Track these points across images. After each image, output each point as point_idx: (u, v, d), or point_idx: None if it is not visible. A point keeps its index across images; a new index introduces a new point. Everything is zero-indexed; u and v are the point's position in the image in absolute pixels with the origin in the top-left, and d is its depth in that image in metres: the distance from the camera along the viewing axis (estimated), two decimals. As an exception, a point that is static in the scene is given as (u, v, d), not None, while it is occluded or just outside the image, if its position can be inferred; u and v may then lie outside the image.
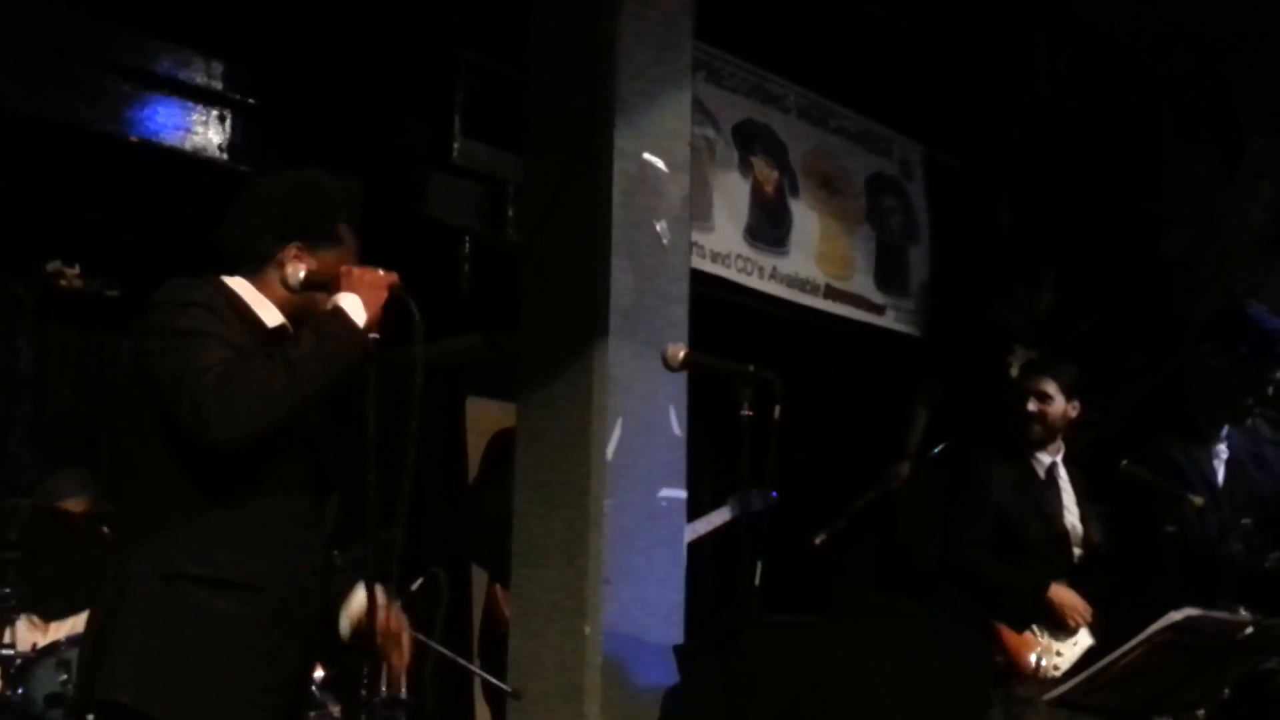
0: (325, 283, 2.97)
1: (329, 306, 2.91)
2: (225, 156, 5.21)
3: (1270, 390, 4.16)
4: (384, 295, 2.93)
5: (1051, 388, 4.46)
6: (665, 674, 4.47)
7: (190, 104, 5.17)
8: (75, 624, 4.84)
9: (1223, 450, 4.27)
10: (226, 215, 3.08)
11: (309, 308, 2.98)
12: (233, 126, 5.25)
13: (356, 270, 2.96)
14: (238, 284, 3.01)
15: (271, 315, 3.00)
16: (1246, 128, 7.15)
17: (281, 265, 2.99)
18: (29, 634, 4.81)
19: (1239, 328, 4.30)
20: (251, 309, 2.99)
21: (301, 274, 2.96)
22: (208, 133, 5.21)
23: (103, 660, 2.82)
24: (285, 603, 2.90)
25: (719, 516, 5.45)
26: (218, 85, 5.20)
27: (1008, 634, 4.40)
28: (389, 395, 2.95)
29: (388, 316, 2.94)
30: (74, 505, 4.91)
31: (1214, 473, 4.25)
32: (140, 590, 2.82)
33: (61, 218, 5.13)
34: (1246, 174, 7.14)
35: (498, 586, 5.46)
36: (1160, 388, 5.06)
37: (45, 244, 4.94)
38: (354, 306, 2.90)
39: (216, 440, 2.77)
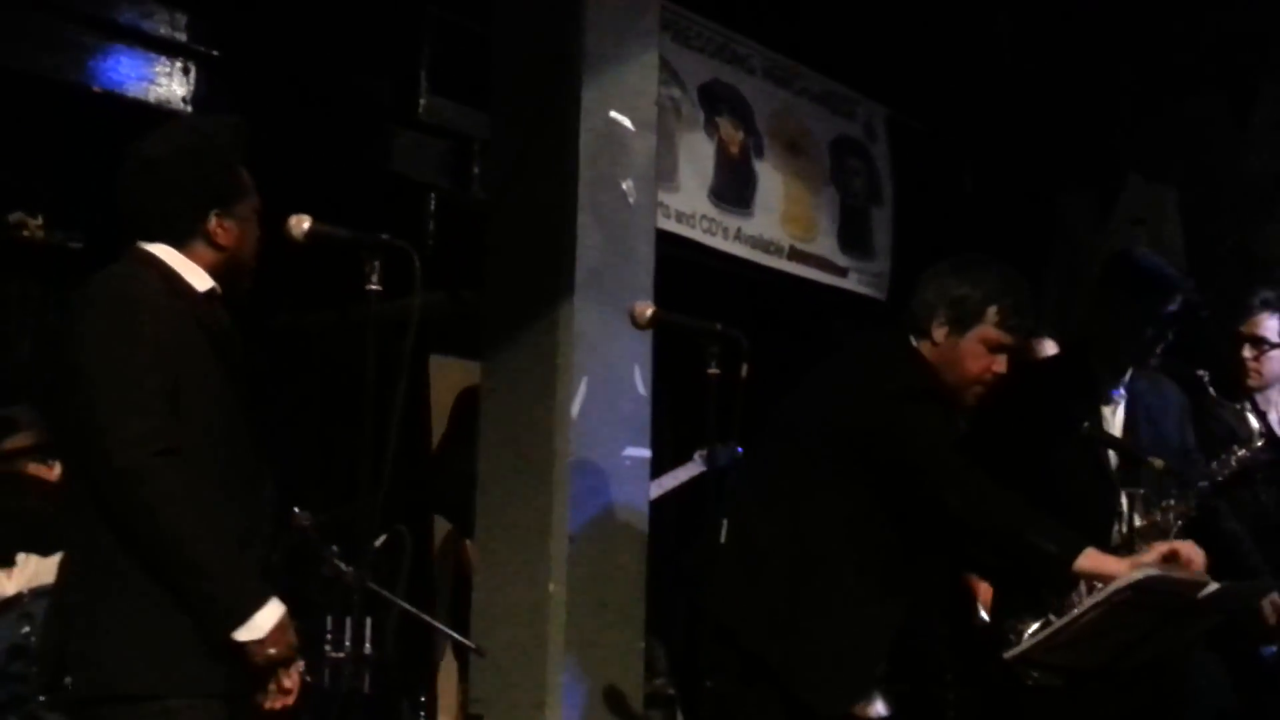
0: (331, 233, 3.02)
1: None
2: (189, 109, 5.16)
3: (1166, 328, 4.20)
4: None
5: None
6: (628, 633, 4.50)
7: (154, 55, 5.11)
8: (35, 573, 4.84)
9: (1121, 395, 4.28)
10: (124, 185, 3.12)
11: (237, 265, 3.12)
12: (196, 78, 5.20)
13: None
14: (165, 253, 3.08)
15: (202, 280, 3.09)
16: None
17: (206, 233, 3.07)
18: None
19: (1120, 272, 4.36)
20: (183, 277, 3.08)
21: (306, 225, 2.98)
22: (171, 84, 5.16)
23: (118, 654, 2.88)
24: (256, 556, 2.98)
25: (684, 472, 5.48)
26: (181, 37, 5.15)
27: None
28: (359, 350, 2.97)
29: (385, 267, 2.97)
30: (22, 440, 4.89)
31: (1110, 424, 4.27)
32: (135, 580, 2.88)
33: (24, 169, 5.09)
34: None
35: (468, 542, 5.47)
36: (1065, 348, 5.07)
37: (7, 195, 4.90)
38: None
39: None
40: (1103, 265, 4.50)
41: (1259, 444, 4.29)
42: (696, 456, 5.47)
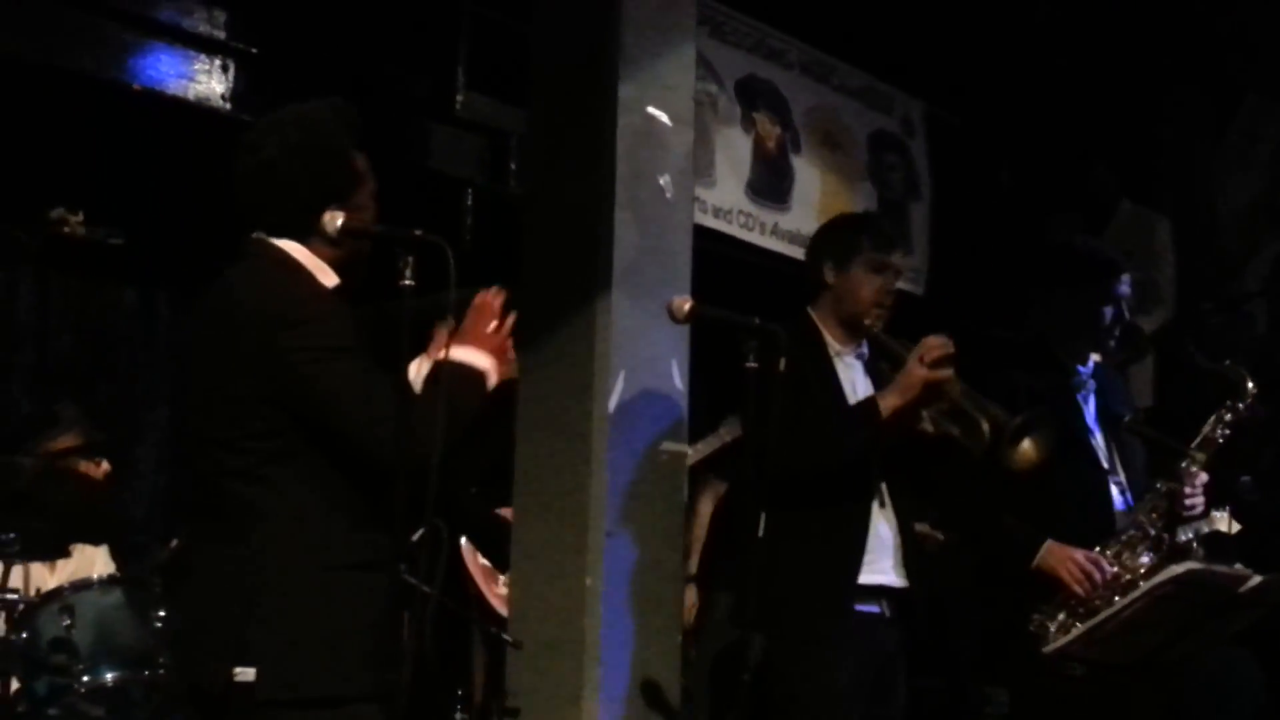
0: (364, 229, 3.04)
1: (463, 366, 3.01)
2: (228, 106, 5.21)
3: (1122, 309, 4.23)
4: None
5: None
6: (664, 626, 4.50)
7: (193, 53, 5.16)
8: (77, 568, 4.89)
9: (1091, 385, 4.30)
10: (240, 183, 3.10)
11: (354, 259, 3.08)
12: (235, 76, 5.25)
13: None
14: (294, 249, 3.07)
15: (329, 277, 3.07)
16: (1243, 86, 7.12)
17: (324, 228, 3.04)
18: (38, 576, 4.86)
19: (1067, 262, 4.45)
20: (313, 275, 3.06)
21: (339, 222, 2.99)
22: (210, 82, 5.20)
23: (292, 655, 2.89)
24: (393, 573, 3.01)
25: (716, 440, 5.45)
26: (220, 34, 5.20)
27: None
28: (394, 345, 2.99)
29: (419, 262, 2.97)
30: (68, 440, 4.96)
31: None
32: (311, 587, 2.91)
33: (65, 165, 5.13)
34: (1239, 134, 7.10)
35: (464, 540, 5.45)
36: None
37: (48, 191, 4.93)
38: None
39: (388, 470, 2.88)
40: (1044, 261, 4.63)
41: (1248, 399, 4.19)
42: (722, 428, 5.43)
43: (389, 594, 2.99)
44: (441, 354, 3.05)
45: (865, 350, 4.21)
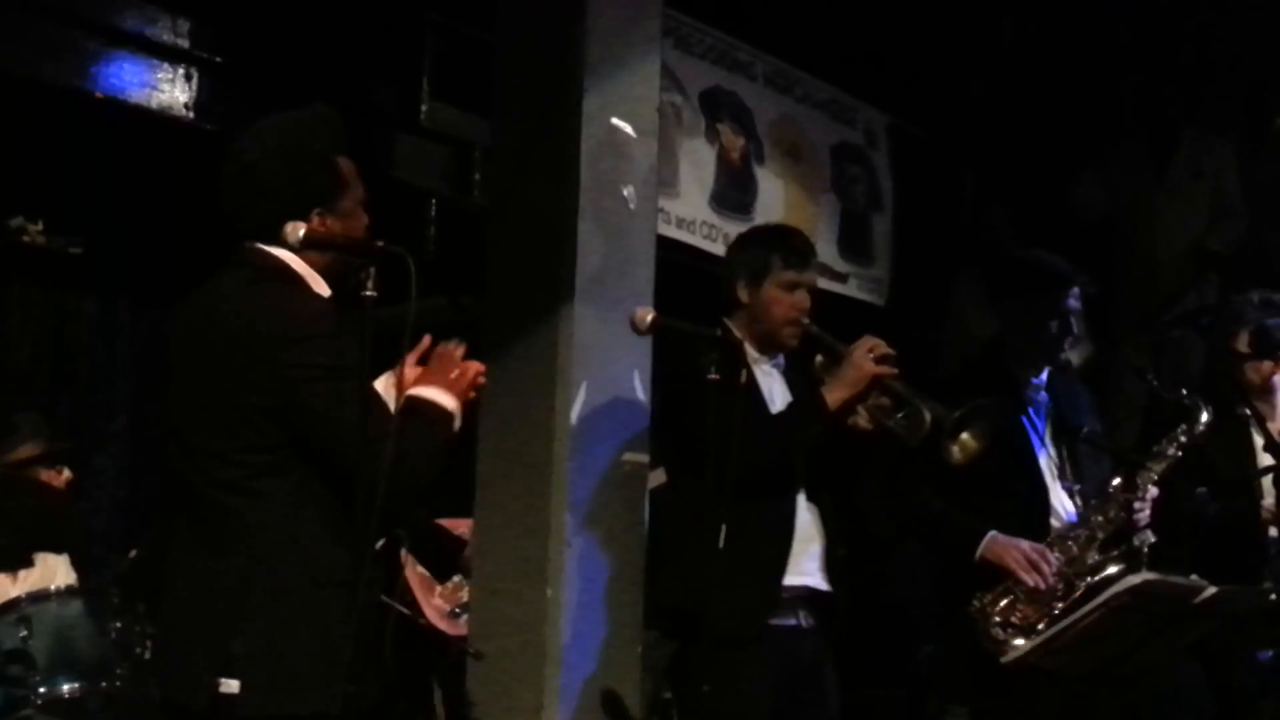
0: (326, 239, 3.02)
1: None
2: (191, 115, 5.19)
3: (1069, 320, 4.28)
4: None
5: None
6: (625, 637, 4.51)
7: (156, 61, 5.14)
8: (40, 578, 4.87)
9: (1043, 399, 4.36)
10: (223, 189, 3.09)
11: (344, 268, 3.07)
12: (199, 85, 5.23)
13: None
14: (289, 258, 3.05)
15: (322, 286, 3.07)
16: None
17: (285, 237, 2.98)
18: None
19: (1016, 274, 4.52)
20: (308, 283, 3.05)
21: (301, 232, 2.94)
22: (174, 91, 5.18)
23: (270, 667, 2.88)
24: (369, 589, 3.03)
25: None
26: (184, 43, 5.18)
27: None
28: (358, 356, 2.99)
29: (382, 272, 2.98)
30: (29, 450, 4.94)
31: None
32: (296, 596, 2.91)
33: (26, 174, 5.10)
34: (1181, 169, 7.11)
35: (404, 550, 5.43)
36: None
37: (8, 200, 4.92)
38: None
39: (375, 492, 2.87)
40: (996, 272, 4.68)
41: (1201, 427, 4.25)
42: None
43: (365, 611, 2.99)
44: (409, 388, 3.06)
45: (781, 360, 4.21)
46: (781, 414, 3.99)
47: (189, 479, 3.04)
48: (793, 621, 3.99)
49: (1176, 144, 6.93)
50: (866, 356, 3.89)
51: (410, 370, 3.12)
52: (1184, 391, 4.32)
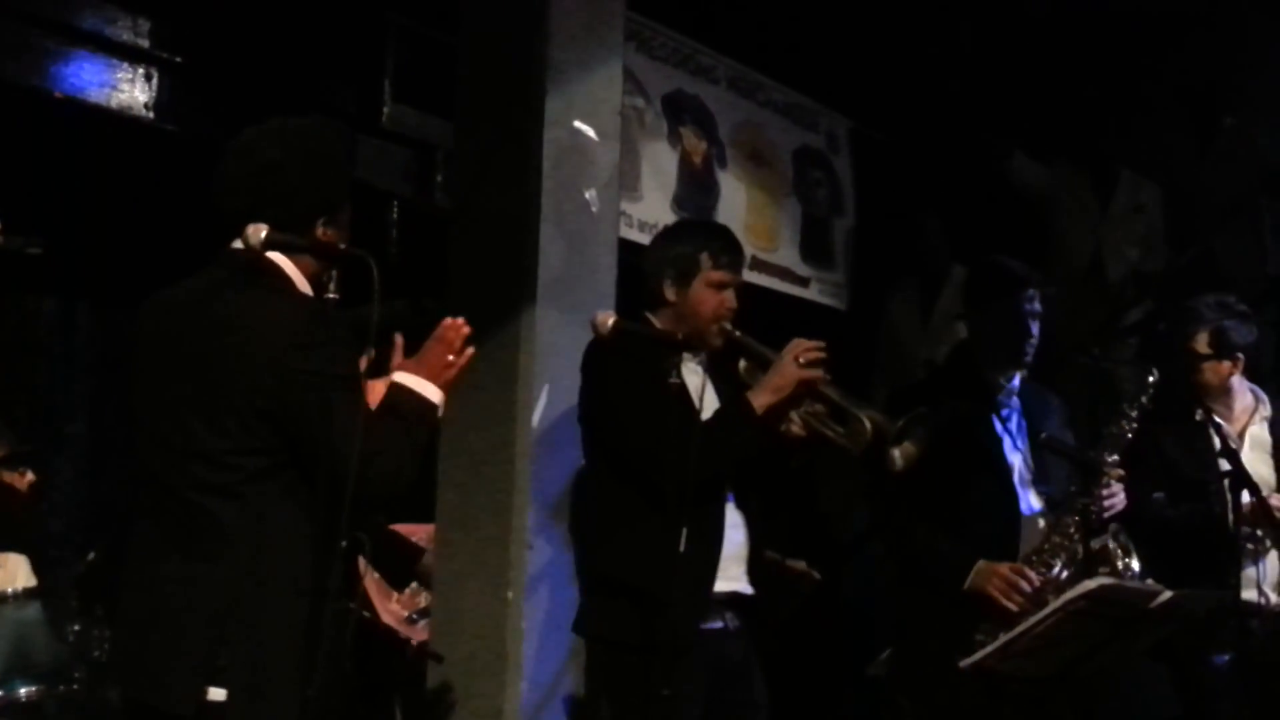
0: (288, 242, 3.02)
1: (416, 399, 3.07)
2: (151, 115, 5.16)
3: (1029, 323, 4.31)
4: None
5: None
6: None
7: (116, 61, 5.10)
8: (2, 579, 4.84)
9: (1015, 404, 4.39)
10: (232, 184, 3.09)
11: (320, 275, 3.10)
12: (159, 85, 5.20)
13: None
14: (281, 261, 3.07)
15: (307, 289, 3.10)
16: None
17: (248, 239, 2.99)
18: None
19: (979, 278, 4.56)
20: (297, 287, 3.08)
21: (264, 234, 2.94)
22: (134, 90, 5.14)
23: (255, 675, 2.89)
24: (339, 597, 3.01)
25: None
26: (144, 43, 5.14)
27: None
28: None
29: (344, 275, 2.98)
30: None
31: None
32: (279, 604, 2.92)
33: (-17, 173, 5.07)
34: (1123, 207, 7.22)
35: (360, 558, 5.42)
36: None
37: (-34, 200, 4.88)
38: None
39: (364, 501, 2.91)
40: (967, 280, 4.72)
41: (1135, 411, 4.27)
42: None
43: (338, 618, 2.99)
44: (396, 377, 3.08)
45: (704, 359, 4.10)
46: (708, 421, 3.86)
47: (164, 480, 3.01)
48: (719, 624, 3.95)
49: (1116, 177, 7.07)
50: (794, 361, 3.82)
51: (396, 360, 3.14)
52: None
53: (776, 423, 3.87)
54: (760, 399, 3.82)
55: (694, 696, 3.81)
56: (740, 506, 4.02)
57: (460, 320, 3.22)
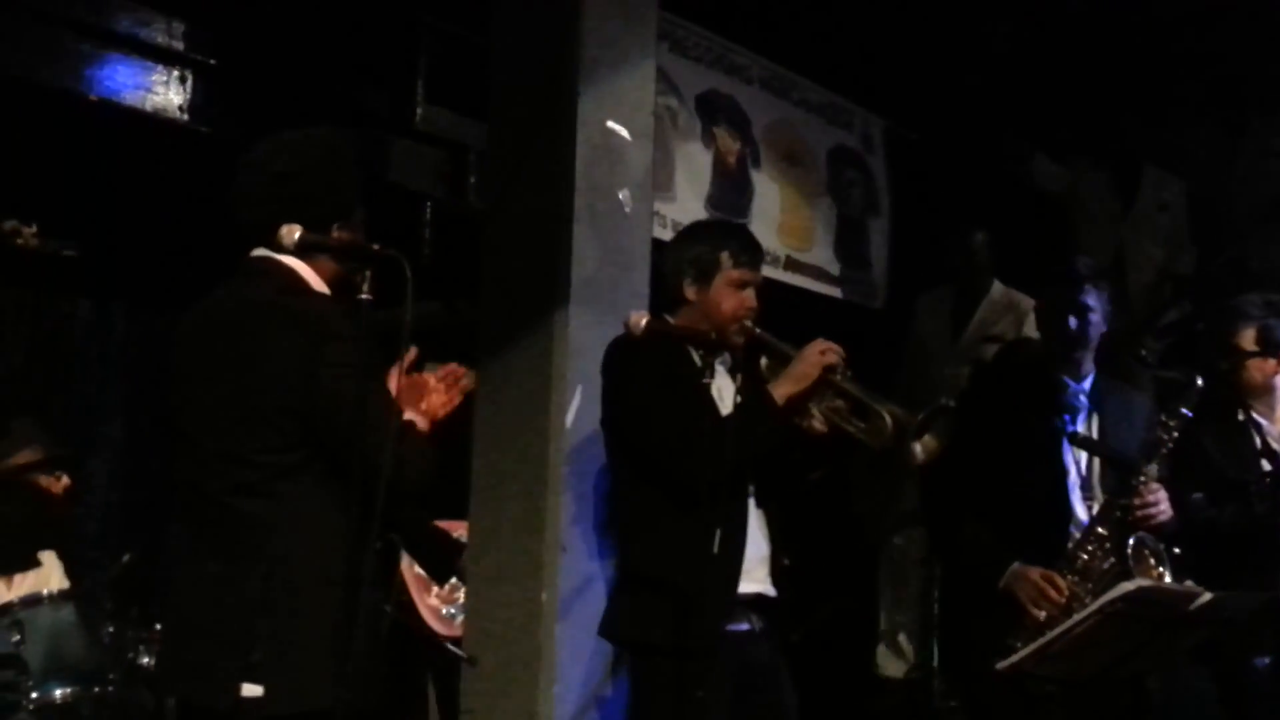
0: (321, 242, 3.10)
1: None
2: (185, 117, 5.18)
3: (1086, 319, 4.26)
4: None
5: None
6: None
7: (150, 64, 5.13)
8: (35, 581, 4.86)
9: (1084, 403, 4.33)
10: (249, 194, 3.18)
11: (344, 278, 3.18)
12: (193, 87, 5.22)
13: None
14: (300, 267, 3.17)
15: (326, 292, 3.20)
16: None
17: (280, 240, 3.09)
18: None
19: (1045, 277, 4.52)
20: (314, 289, 3.19)
21: (297, 235, 3.03)
22: (168, 93, 5.17)
23: (291, 667, 2.96)
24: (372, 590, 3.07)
25: None
26: (178, 45, 5.16)
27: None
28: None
29: (377, 276, 3.03)
30: (28, 455, 4.94)
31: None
32: (318, 600, 3.00)
33: (19, 176, 5.09)
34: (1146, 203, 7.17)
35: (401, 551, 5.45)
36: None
37: (2, 203, 4.90)
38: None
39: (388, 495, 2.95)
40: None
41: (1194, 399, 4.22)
42: None
43: (370, 611, 3.05)
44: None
45: (727, 359, 4.09)
46: (729, 416, 3.87)
47: (197, 485, 3.11)
48: (745, 626, 3.94)
49: (1139, 176, 7.00)
50: (815, 350, 3.84)
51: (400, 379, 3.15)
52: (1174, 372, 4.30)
53: (798, 415, 3.87)
54: (782, 389, 3.83)
55: (720, 700, 3.79)
56: (761, 507, 4.01)
57: (465, 371, 3.36)
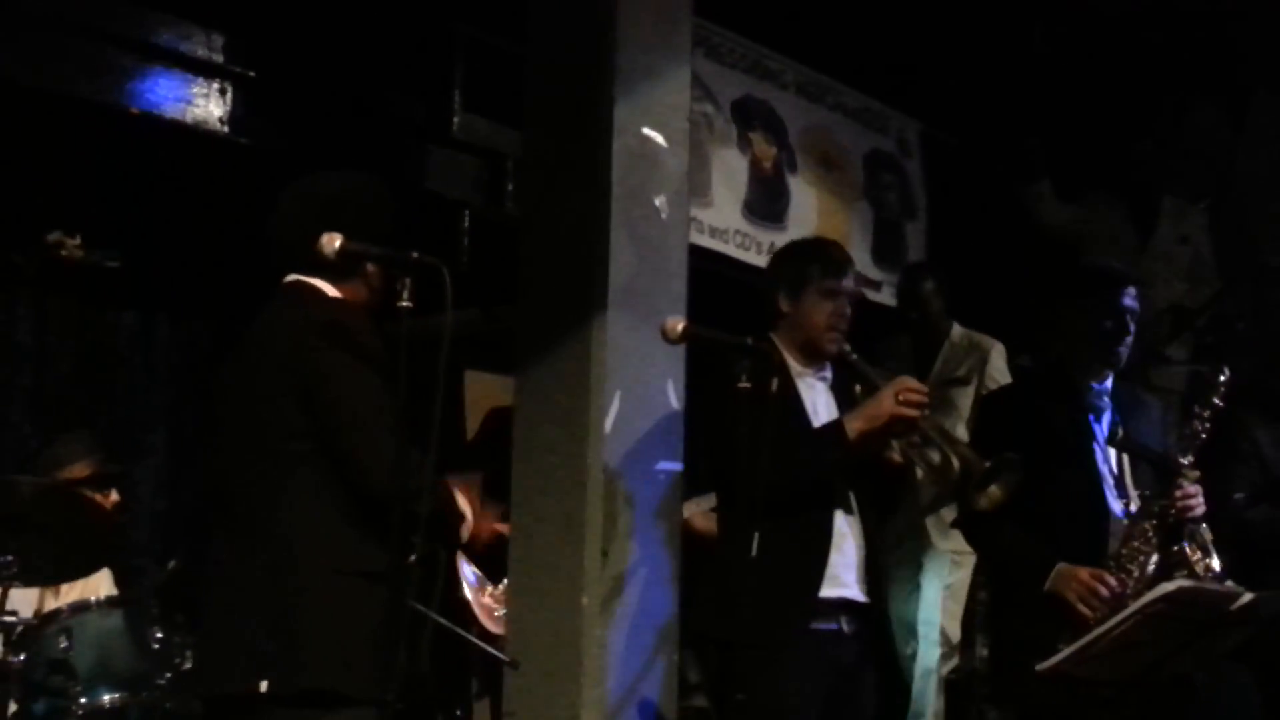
0: (362, 251, 3.17)
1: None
2: (226, 129, 5.23)
3: (1124, 320, 4.23)
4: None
5: None
6: (662, 646, 4.51)
7: (191, 76, 5.18)
8: (83, 590, 4.90)
9: (1107, 404, 4.31)
10: (290, 221, 3.28)
11: (378, 304, 3.29)
12: (233, 99, 5.27)
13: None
14: (330, 290, 3.27)
15: None
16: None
17: (365, 273, 3.28)
18: (40, 599, 4.87)
19: (1071, 278, 4.51)
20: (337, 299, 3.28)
21: (338, 244, 3.09)
22: (208, 105, 5.22)
23: (295, 650, 3.05)
24: (394, 589, 3.15)
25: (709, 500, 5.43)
26: (218, 58, 5.22)
27: None
28: (393, 367, 3.05)
29: (417, 284, 3.11)
30: (80, 470, 4.99)
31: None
32: (320, 585, 3.08)
33: (63, 188, 5.16)
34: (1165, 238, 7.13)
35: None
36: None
37: (46, 215, 4.95)
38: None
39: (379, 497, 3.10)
40: (1052, 282, 4.66)
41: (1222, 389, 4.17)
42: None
43: (388, 608, 3.09)
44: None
45: (828, 373, 4.27)
46: (812, 432, 4.07)
47: (228, 489, 3.23)
48: (834, 626, 4.05)
49: (1158, 208, 6.97)
50: (893, 396, 3.97)
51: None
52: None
53: (873, 448, 4.05)
54: (854, 424, 3.99)
55: (796, 694, 3.92)
56: (855, 516, 4.12)
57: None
